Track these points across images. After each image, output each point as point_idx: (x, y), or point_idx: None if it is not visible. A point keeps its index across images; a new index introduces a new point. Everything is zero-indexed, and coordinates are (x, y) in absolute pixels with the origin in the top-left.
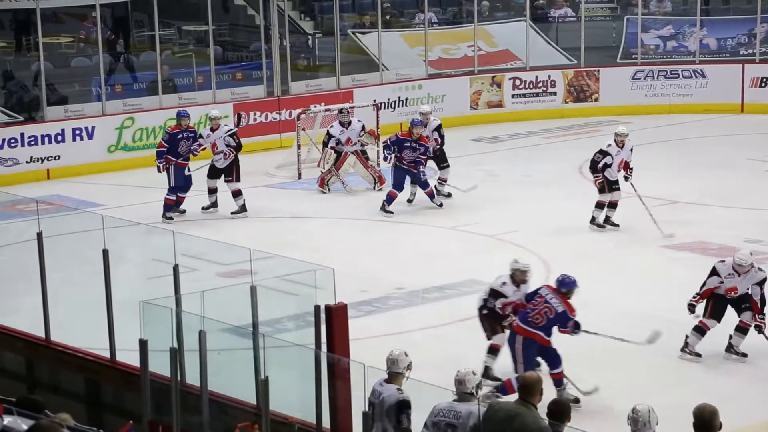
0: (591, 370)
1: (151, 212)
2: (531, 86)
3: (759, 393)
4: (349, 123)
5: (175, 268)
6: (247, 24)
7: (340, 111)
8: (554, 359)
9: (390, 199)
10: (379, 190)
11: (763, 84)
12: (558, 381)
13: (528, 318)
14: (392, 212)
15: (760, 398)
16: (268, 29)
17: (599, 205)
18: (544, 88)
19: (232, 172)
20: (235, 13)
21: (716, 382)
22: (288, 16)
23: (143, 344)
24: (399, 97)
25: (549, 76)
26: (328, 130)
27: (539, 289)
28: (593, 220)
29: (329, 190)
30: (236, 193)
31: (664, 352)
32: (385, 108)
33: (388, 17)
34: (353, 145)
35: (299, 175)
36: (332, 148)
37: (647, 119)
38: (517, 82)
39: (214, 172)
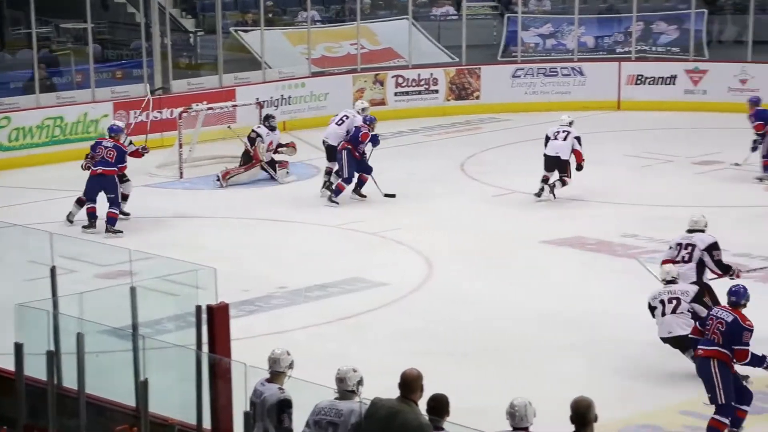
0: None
1: (28, 213)
2: (413, 84)
3: None
4: (275, 128)
5: (53, 270)
6: (127, 22)
7: (267, 117)
8: (741, 392)
9: (338, 191)
10: (289, 174)
11: (639, 81)
12: (737, 420)
13: (708, 341)
14: (338, 203)
15: None
16: (148, 27)
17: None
18: (427, 86)
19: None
20: (115, 10)
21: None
22: (169, 14)
23: (18, 348)
24: (282, 96)
25: (431, 75)
26: (254, 129)
27: (711, 310)
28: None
29: (226, 185)
30: (127, 197)
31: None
32: (268, 106)
33: (270, 15)
34: (270, 152)
35: (181, 174)
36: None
37: (527, 117)
38: (400, 80)
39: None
